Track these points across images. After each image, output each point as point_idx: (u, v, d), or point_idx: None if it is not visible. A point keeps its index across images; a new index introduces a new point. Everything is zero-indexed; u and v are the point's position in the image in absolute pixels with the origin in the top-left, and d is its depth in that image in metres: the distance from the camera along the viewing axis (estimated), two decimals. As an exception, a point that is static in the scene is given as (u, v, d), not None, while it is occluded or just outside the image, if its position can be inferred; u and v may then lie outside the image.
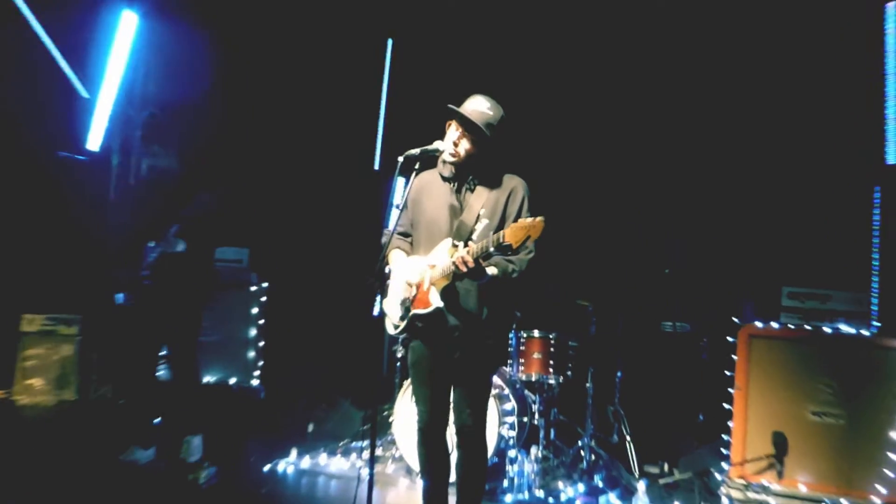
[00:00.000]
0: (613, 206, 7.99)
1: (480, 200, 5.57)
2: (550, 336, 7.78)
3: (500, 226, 5.43)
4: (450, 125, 5.60)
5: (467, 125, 5.49)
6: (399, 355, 8.00)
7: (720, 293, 7.16)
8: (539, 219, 4.98)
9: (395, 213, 5.71)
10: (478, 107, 5.51)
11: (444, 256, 5.45)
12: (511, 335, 7.82)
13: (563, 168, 7.89)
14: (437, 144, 5.57)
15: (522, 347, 7.82)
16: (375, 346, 7.15)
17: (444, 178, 5.69)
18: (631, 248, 7.73)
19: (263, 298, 9.43)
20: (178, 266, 6.80)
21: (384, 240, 5.63)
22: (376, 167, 8.91)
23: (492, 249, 5.14)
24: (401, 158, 5.38)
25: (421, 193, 5.72)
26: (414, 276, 5.61)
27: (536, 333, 7.83)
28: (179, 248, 6.78)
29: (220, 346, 9.11)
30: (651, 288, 7.51)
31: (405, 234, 5.88)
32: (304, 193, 9.35)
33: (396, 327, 5.68)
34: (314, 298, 9.62)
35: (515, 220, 5.34)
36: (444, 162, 5.67)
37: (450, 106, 5.52)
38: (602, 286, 7.65)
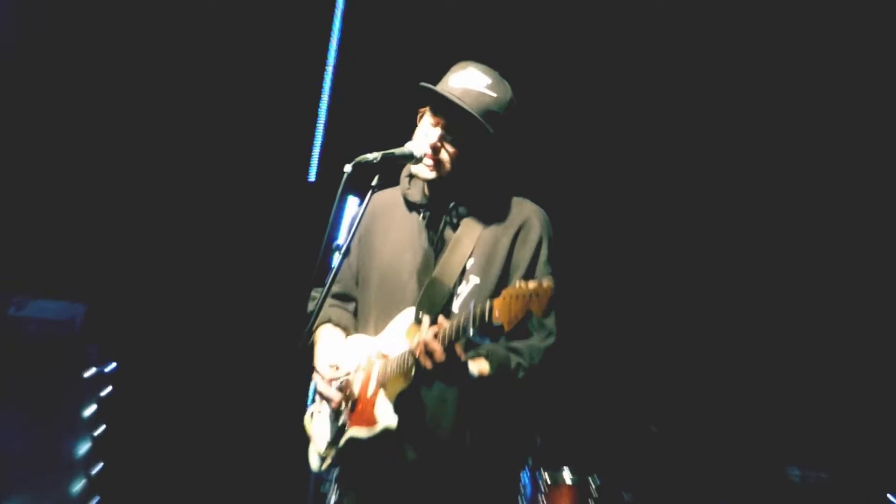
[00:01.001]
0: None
1: (469, 242, 3.57)
2: (591, 482, 4.98)
3: (501, 288, 3.33)
4: (423, 115, 3.63)
5: (452, 116, 3.50)
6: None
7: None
8: (547, 282, 3.00)
9: (336, 260, 3.64)
10: (470, 83, 3.52)
11: (401, 338, 3.47)
12: (523, 477, 5.00)
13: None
14: (410, 147, 3.46)
15: (543, 499, 4.96)
16: (295, 484, 4.34)
17: (411, 205, 3.71)
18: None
19: (107, 390, 5.90)
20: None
21: (312, 306, 3.63)
22: (311, 177, 5.95)
23: (471, 331, 3.15)
24: (349, 168, 3.38)
25: (374, 229, 3.74)
26: (350, 367, 3.61)
27: (567, 476, 4.94)
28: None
29: (22, 467, 5.38)
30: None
31: (345, 297, 3.86)
32: (185, 216, 5.96)
33: (322, 459, 3.60)
34: (196, 392, 6.12)
35: (526, 279, 3.41)
36: (411, 177, 3.70)
37: (424, 84, 3.53)
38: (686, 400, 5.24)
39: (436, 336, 3.23)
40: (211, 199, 6.04)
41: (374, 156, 3.43)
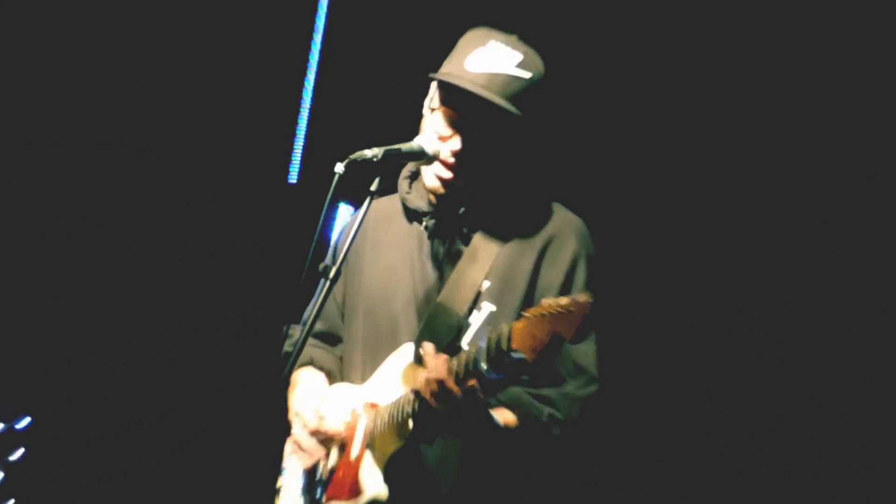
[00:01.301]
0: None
1: (484, 260, 2.86)
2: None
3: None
4: (433, 106, 2.90)
5: (475, 109, 2.77)
6: None
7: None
8: (583, 296, 2.33)
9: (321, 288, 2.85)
10: (496, 64, 2.78)
11: (395, 384, 2.77)
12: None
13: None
14: (420, 142, 2.81)
15: None
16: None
17: (412, 213, 3.00)
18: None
19: (16, 454, 4.64)
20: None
21: (289, 345, 2.96)
22: (292, 178, 5.12)
23: (484, 365, 2.44)
24: (341, 167, 2.61)
25: (363, 246, 3.03)
26: (335, 424, 2.87)
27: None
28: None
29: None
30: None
31: (330, 337, 3.14)
32: (130, 222, 4.86)
33: None
34: (136, 458, 4.85)
35: None
36: (412, 178, 3.02)
37: (435, 77, 2.86)
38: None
39: (446, 369, 2.52)
40: (155, 209, 4.94)
41: (373, 152, 2.68)
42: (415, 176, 3.03)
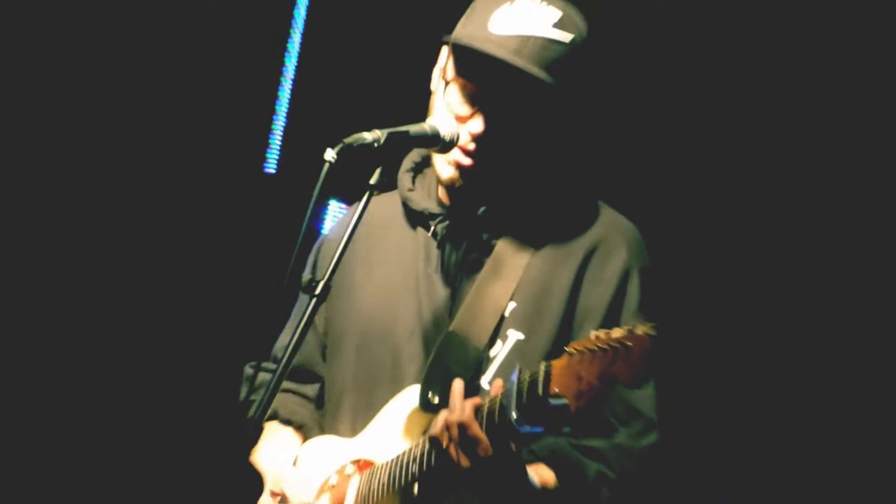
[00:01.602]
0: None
1: (510, 275, 2.30)
2: None
3: (559, 348, 2.02)
4: (448, 76, 2.33)
5: (503, 82, 2.22)
6: None
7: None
8: (643, 328, 1.83)
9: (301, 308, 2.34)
10: (529, 24, 2.23)
11: (397, 437, 2.24)
12: None
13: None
14: (434, 124, 2.25)
15: None
16: None
17: (416, 216, 2.41)
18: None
19: None
20: None
21: (249, 392, 2.33)
22: (270, 167, 4.46)
23: (514, 414, 1.93)
24: (332, 154, 2.07)
25: (353, 258, 2.43)
26: (315, 496, 2.31)
27: None
28: None
29: None
30: None
31: (303, 374, 2.53)
32: (87, 220, 4.32)
33: None
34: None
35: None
36: (416, 171, 2.47)
37: (451, 40, 2.31)
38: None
39: (477, 412, 1.99)
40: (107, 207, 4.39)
41: (374, 136, 2.11)
42: (419, 169, 2.45)
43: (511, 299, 2.25)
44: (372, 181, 2.13)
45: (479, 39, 2.20)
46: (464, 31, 2.27)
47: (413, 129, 2.18)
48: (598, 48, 2.29)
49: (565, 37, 2.21)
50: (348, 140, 2.08)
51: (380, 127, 2.14)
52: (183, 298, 4.38)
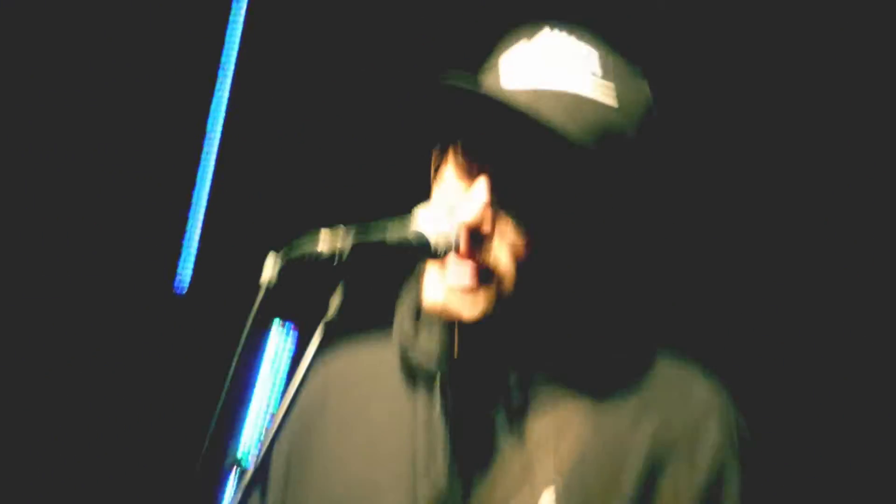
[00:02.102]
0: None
1: (545, 461, 1.56)
2: None
3: None
4: (444, 157, 1.63)
5: (520, 156, 1.53)
6: None
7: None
8: None
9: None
10: (557, 75, 1.55)
11: None
12: None
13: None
14: (423, 224, 1.53)
15: None
16: None
17: (416, 374, 1.68)
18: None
19: None
20: None
21: None
22: (181, 285, 3.70)
23: None
24: (270, 274, 1.39)
25: (322, 424, 1.74)
26: None
27: None
28: None
29: None
30: None
31: None
32: None
33: None
34: None
35: None
36: (418, 309, 1.71)
37: (451, 83, 1.56)
38: None
39: None
40: None
41: (332, 246, 1.45)
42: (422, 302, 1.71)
43: (548, 484, 1.55)
44: (327, 318, 1.45)
45: (488, 90, 1.56)
46: (471, 78, 1.62)
47: (389, 233, 1.50)
48: (653, 110, 1.64)
49: (607, 90, 1.56)
50: (294, 254, 1.42)
51: (340, 221, 1.48)
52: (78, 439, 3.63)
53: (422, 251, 1.51)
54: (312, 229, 1.47)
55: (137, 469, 3.55)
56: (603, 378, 1.61)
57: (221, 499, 1.68)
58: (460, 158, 1.58)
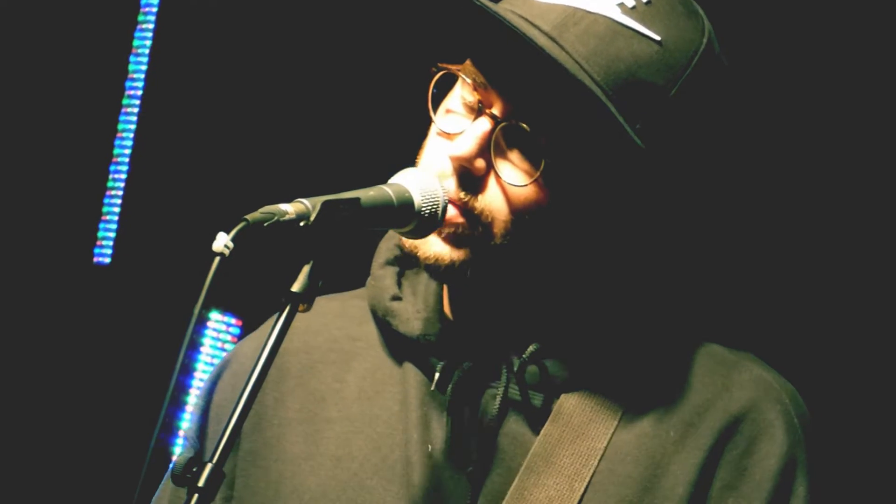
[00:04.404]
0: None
1: (582, 466, 1.36)
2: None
3: None
4: (445, 84, 1.41)
5: (531, 89, 1.33)
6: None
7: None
8: None
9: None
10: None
11: None
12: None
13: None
14: (402, 184, 1.35)
15: None
16: None
17: (402, 346, 1.46)
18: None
19: None
20: None
21: None
22: (103, 256, 3.50)
23: None
24: (226, 241, 1.16)
25: (285, 417, 1.48)
26: None
27: None
28: None
29: None
30: None
31: None
32: None
33: None
34: None
35: None
36: (400, 267, 1.49)
37: None
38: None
39: None
40: None
41: (298, 208, 1.25)
42: (409, 261, 1.49)
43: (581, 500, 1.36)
44: (295, 288, 1.23)
45: (499, 6, 1.34)
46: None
47: (368, 195, 1.28)
48: (714, 51, 1.41)
49: (643, 25, 1.34)
50: (254, 216, 1.21)
51: (306, 195, 1.26)
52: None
53: (404, 213, 1.30)
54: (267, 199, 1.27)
55: (55, 453, 3.36)
56: (641, 380, 1.41)
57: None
58: (464, 84, 1.38)
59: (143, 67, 3.59)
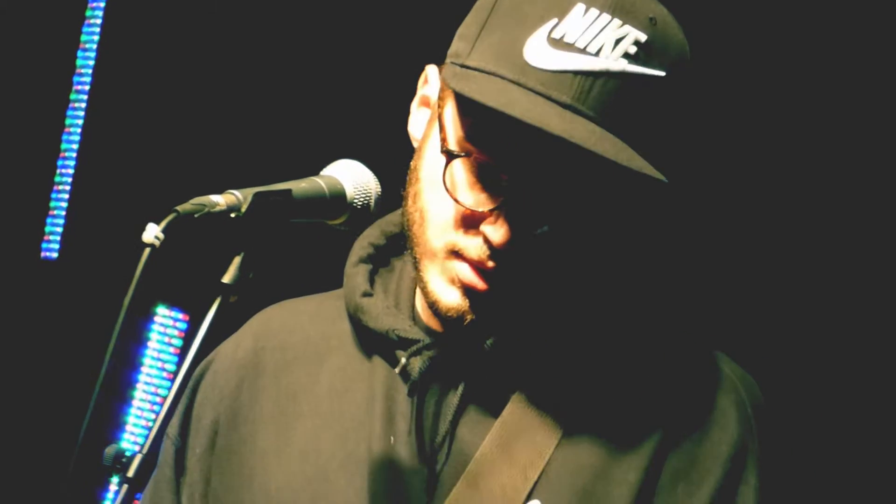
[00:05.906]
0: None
1: (535, 456, 1.37)
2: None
3: None
4: (442, 118, 1.39)
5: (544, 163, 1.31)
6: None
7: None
8: None
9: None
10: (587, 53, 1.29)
11: None
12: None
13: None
14: (336, 176, 1.37)
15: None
16: None
17: (372, 341, 1.47)
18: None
19: None
20: None
21: None
22: (51, 250, 3.49)
23: None
24: (156, 232, 1.17)
25: (260, 410, 1.49)
26: None
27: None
28: None
29: None
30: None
31: None
32: None
33: None
34: None
35: None
36: (373, 265, 1.54)
37: (456, 88, 1.32)
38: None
39: None
40: None
41: (229, 200, 1.26)
42: (381, 259, 1.52)
43: (531, 497, 1.37)
44: (226, 279, 1.24)
45: (515, 90, 1.30)
46: (480, 56, 1.35)
47: (299, 186, 1.30)
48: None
49: (656, 70, 1.32)
50: (185, 207, 1.21)
51: (240, 186, 1.27)
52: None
53: (336, 205, 1.31)
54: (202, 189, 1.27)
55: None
56: (594, 376, 1.42)
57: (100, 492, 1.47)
58: (477, 156, 1.35)
59: (91, 63, 3.59)
